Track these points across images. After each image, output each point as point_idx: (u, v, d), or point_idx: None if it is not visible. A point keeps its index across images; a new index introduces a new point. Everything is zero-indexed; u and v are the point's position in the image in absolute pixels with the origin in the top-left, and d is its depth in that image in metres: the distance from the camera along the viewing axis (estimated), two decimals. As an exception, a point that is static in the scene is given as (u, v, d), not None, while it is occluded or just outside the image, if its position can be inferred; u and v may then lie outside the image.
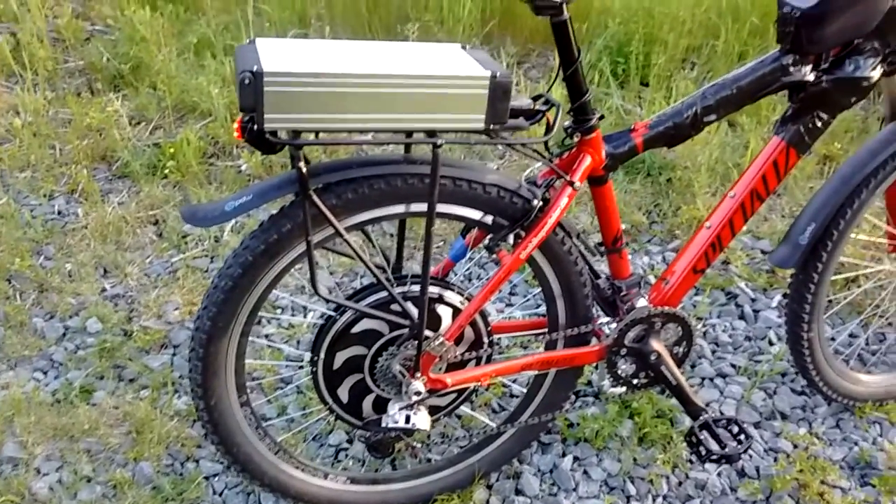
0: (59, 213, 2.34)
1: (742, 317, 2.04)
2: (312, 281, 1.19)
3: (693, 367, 1.89)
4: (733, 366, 1.89)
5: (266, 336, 1.91)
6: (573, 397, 1.74)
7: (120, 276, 2.11)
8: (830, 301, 1.99)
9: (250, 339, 1.33)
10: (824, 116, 1.39)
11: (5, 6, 3.21)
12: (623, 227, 2.32)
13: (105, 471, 1.60)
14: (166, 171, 2.48)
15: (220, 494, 1.57)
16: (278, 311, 1.98)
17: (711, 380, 1.86)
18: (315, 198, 1.14)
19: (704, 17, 3.06)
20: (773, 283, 2.12)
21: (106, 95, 2.80)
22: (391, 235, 1.57)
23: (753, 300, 2.08)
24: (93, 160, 2.55)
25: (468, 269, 2.14)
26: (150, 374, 1.81)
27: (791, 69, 1.33)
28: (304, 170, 1.12)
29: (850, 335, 1.97)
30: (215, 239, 2.22)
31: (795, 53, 1.32)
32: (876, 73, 1.38)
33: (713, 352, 1.94)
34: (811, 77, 1.34)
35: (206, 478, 1.59)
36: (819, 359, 1.64)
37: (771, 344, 1.95)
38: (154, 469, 1.60)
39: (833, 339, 1.95)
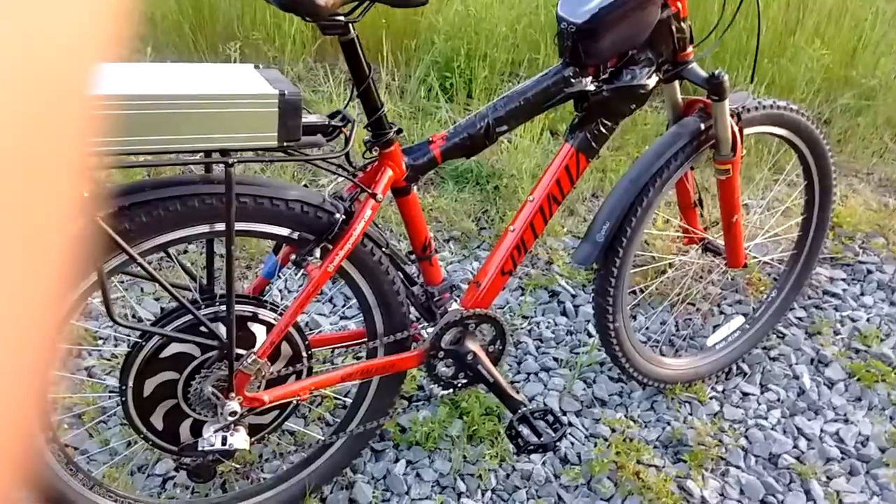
0: None
1: (564, 313, 2.16)
2: (107, 309, 1.16)
3: (519, 363, 1.98)
4: (556, 359, 2.00)
5: (87, 369, 1.83)
6: (400, 402, 1.78)
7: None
8: (643, 291, 2.14)
9: (70, 374, 1.28)
10: (608, 123, 1.51)
11: None
12: (454, 234, 2.41)
13: None
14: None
15: (37, 539, 1.49)
16: (100, 341, 1.91)
17: (536, 374, 1.96)
18: (102, 223, 1.12)
19: (527, 32, 3.21)
20: (592, 279, 2.25)
21: None
22: (220, 256, 1.56)
23: (574, 296, 2.21)
24: None
25: (301, 284, 2.15)
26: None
27: (572, 80, 1.43)
28: (86, 193, 1.09)
29: (661, 322, 2.13)
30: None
31: (575, 66, 1.43)
32: (651, 81, 1.51)
33: (537, 348, 2.04)
34: (592, 87, 1.45)
35: (21, 523, 1.51)
36: (627, 347, 1.77)
37: (589, 336, 2.07)
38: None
39: (647, 327, 2.11)
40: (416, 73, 3.03)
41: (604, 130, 1.51)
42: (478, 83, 2.98)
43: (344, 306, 2.11)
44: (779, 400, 1.94)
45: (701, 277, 2.13)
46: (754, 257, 1.95)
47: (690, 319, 2.16)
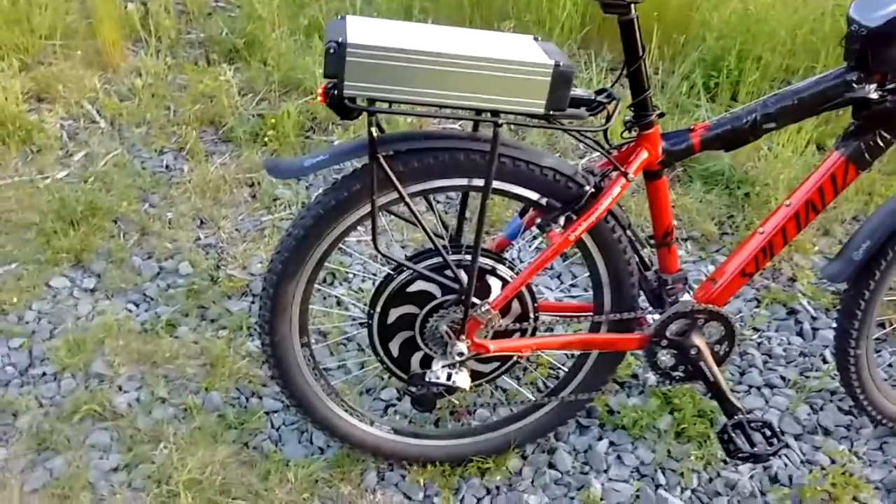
0: (167, 167, 2.56)
1: (800, 333, 2.05)
2: (373, 237, 1.31)
3: (742, 374, 1.92)
4: (783, 378, 1.91)
5: (337, 297, 2.05)
6: (612, 385, 1.81)
7: (214, 228, 2.30)
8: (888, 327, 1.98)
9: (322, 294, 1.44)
10: (887, 136, 1.41)
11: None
12: (693, 234, 2.37)
13: (179, 395, 1.77)
14: (266, 139, 2.66)
15: (277, 429, 1.72)
16: (350, 274, 2.12)
17: (759, 389, 1.89)
18: (383, 162, 1.26)
19: (807, 38, 3.03)
20: (837, 304, 2.11)
21: (220, 66, 3.01)
22: (471, 211, 1.70)
23: (814, 318, 2.08)
24: (202, 123, 2.76)
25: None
26: (230, 316, 1.98)
27: (855, 86, 1.36)
28: (375, 136, 1.24)
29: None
30: (303, 204, 2.39)
31: (860, 71, 1.35)
32: (946, 98, 1.39)
33: (765, 363, 1.96)
34: (875, 95, 1.36)
35: (267, 413, 1.75)
36: (865, 378, 1.65)
37: (825, 362, 1.96)
38: (222, 399, 1.77)
39: (892, 364, 1.95)
40: (680, 68, 2.98)
41: (881, 143, 1.42)
42: (745, 86, 2.87)
43: (571, 285, 2.17)
44: None
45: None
46: None
47: (945, 367, 1.96)
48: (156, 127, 2.73)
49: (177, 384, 1.80)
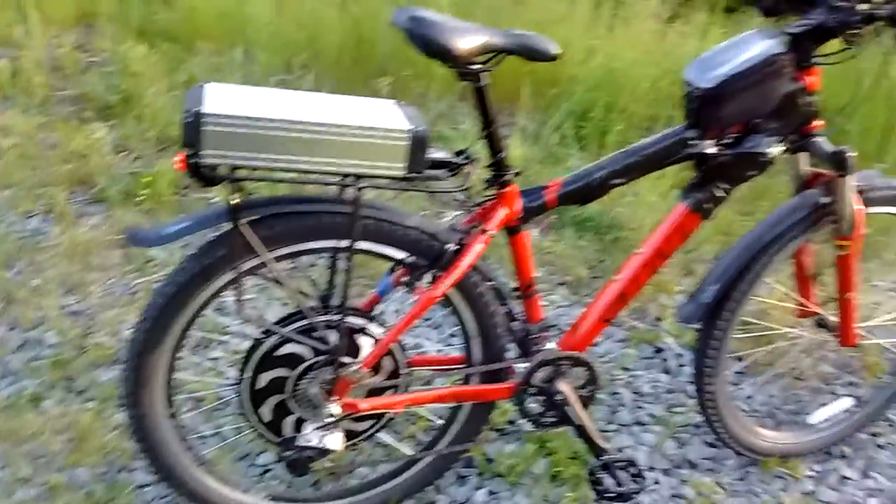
0: (34, 231, 2.46)
1: (666, 370, 2.16)
2: (238, 305, 1.31)
3: (613, 413, 2.00)
4: (651, 415, 2.00)
5: (213, 359, 2.01)
6: (489, 433, 1.85)
7: (83, 294, 2.22)
8: (755, 360, 2.11)
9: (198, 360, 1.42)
10: (725, 187, 1.53)
11: (10, 33, 3.39)
12: (567, 279, 2.47)
13: (43, 474, 1.69)
14: (141, 198, 2.60)
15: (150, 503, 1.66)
16: (227, 336, 2.09)
17: (628, 427, 1.97)
18: (245, 228, 1.27)
19: (668, 89, 3.24)
20: (699, 342, 2.24)
21: (93, 124, 2.95)
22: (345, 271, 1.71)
23: (679, 355, 2.20)
24: (72, 184, 2.68)
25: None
26: (98, 387, 1.91)
27: (693, 142, 1.47)
28: (237, 202, 1.25)
29: (770, 395, 2.09)
30: (178, 265, 2.34)
31: (697, 128, 1.47)
32: (774, 150, 1.52)
33: (634, 401, 2.05)
34: (712, 150, 1.48)
35: (139, 486, 1.68)
36: (722, 411, 1.76)
37: (689, 397, 2.06)
38: (90, 475, 1.69)
39: (751, 396, 2.07)
40: (552, 119, 3.12)
41: (720, 193, 1.53)
42: (613, 134, 3.03)
43: (451, 335, 2.21)
44: (880, 490, 1.85)
45: (813, 353, 2.07)
46: (867, 338, 1.88)
47: (797, 395, 2.11)
48: (23, 189, 2.63)
49: (41, 462, 1.72)
